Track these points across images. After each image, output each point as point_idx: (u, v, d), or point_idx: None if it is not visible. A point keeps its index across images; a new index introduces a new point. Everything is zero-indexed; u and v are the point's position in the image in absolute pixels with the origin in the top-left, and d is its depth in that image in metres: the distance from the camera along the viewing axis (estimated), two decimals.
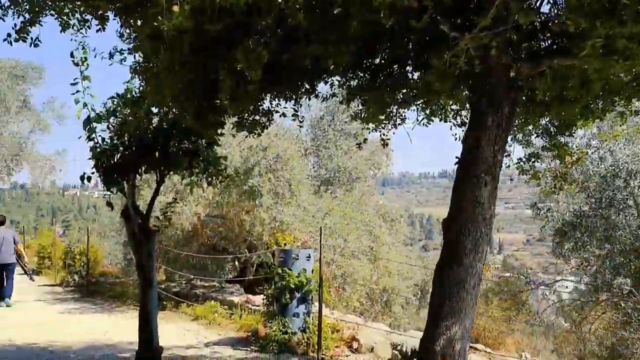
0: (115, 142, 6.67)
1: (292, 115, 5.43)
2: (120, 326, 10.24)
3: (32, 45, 4.75)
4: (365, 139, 6.68)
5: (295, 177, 11.87)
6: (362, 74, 5.67)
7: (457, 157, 6.04)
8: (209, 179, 7.01)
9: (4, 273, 12.73)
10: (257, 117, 5.55)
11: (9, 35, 4.63)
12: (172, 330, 9.54)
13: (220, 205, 13.10)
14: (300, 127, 5.80)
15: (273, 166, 11.79)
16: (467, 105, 5.67)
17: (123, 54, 6.19)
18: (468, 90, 4.97)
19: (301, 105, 5.32)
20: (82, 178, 6.55)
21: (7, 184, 18.48)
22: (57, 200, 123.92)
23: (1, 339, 8.83)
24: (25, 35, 4.64)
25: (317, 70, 5.18)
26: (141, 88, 6.42)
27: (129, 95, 6.64)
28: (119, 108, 6.66)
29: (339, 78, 5.88)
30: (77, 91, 6.39)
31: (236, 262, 15.33)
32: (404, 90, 5.71)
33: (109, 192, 6.64)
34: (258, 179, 11.55)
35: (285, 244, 9.00)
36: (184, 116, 5.23)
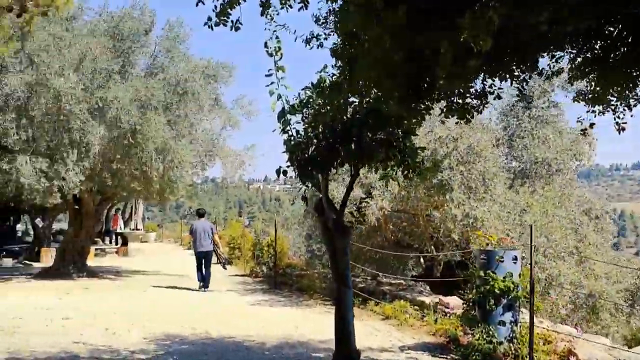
0: (309, 134, 6.39)
1: (517, 95, 4.64)
2: (310, 321, 10.12)
3: (233, 28, 4.52)
4: (593, 124, 5.62)
5: (489, 169, 10.90)
6: (597, 44, 4.70)
7: None
8: (405, 172, 6.43)
9: (203, 261, 14.04)
10: (469, 100, 4.84)
11: (209, 19, 4.45)
12: (361, 329, 9.11)
13: (405, 200, 12.54)
14: (527, 108, 4.98)
15: (465, 158, 10.92)
16: None
17: (319, 39, 5.87)
18: None
19: (527, 82, 4.51)
20: (277, 172, 6.35)
21: (200, 178, 19.65)
22: (243, 193, 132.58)
23: (198, 331, 9.07)
24: (225, 18, 4.42)
25: (544, 40, 4.35)
26: (334, 77, 6.06)
27: (322, 85, 6.32)
28: (311, 100, 6.35)
29: (563, 50, 4.96)
30: (272, 82, 6.20)
31: (421, 260, 14.70)
32: None
33: (305, 186, 6.38)
34: (448, 172, 10.77)
35: (487, 244, 8.15)
36: (388, 102, 4.69)
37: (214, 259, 15.14)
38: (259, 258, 17.30)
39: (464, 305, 8.06)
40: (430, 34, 3.60)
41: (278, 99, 6.26)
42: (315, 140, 6.38)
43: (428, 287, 13.07)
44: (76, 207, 16.52)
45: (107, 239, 27.57)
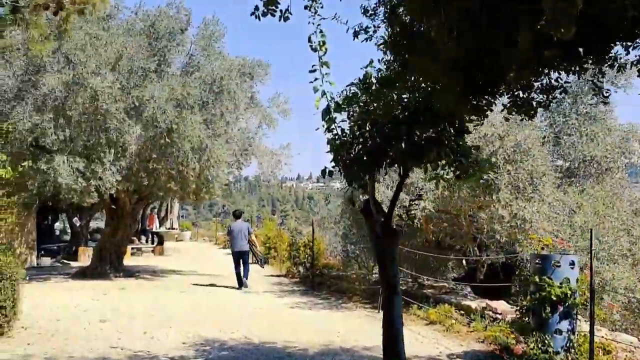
0: (355, 132, 6.08)
1: (593, 90, 4.24)
2: (351, 325, 9.82)
3: (282, 18, 4.24)
4: None
5: (537, 168, 10.41)
6: None
7: None
8: (457, 173, 6.07)
9: (241, 260, 14.38)
10: (534, 95, 4.45)
11: (256, 8, 4.17)
12: (406, 335, 8.63)
13: (448, 200, 12.10)
14: (606, 103, 4.58)
15: (512, 157, 10.45)
16: None
17: (368, 31, 5.54)
18: None
19: (604, 75, 4.11)
20: (323, 173, 6.06)
21: (234, 177, 19.62)
22: (276, 191, 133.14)
23: (237, 335, 8.83)
24: (274, 8, 4.14)
25: (621, 27, 3.94)
26: (381, 72, 5.74)
27: (368, 81, 6.00)
28: (355, 97, 6.04)
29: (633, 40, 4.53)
30: (316, 79, 5.89)
31: (463, 261, 14.26)
32: None
33: (352, 188, 6.07)
34: (495, 171, 10.30)
35: (542, 248, 7.72)
36: (446, 97, 4.33)
37: (251, 258, 15.19)
38: (296, 258, 17.08)
39: (517, 312, 7.64)
40: (505, 21, 3.25)
41: (322, 96, 5.96)
42: (361, 139, 6.07)
43: (470, 290, 12.64)
44: (113, 206, 16.50)
45: (143, 238, 27.71)
